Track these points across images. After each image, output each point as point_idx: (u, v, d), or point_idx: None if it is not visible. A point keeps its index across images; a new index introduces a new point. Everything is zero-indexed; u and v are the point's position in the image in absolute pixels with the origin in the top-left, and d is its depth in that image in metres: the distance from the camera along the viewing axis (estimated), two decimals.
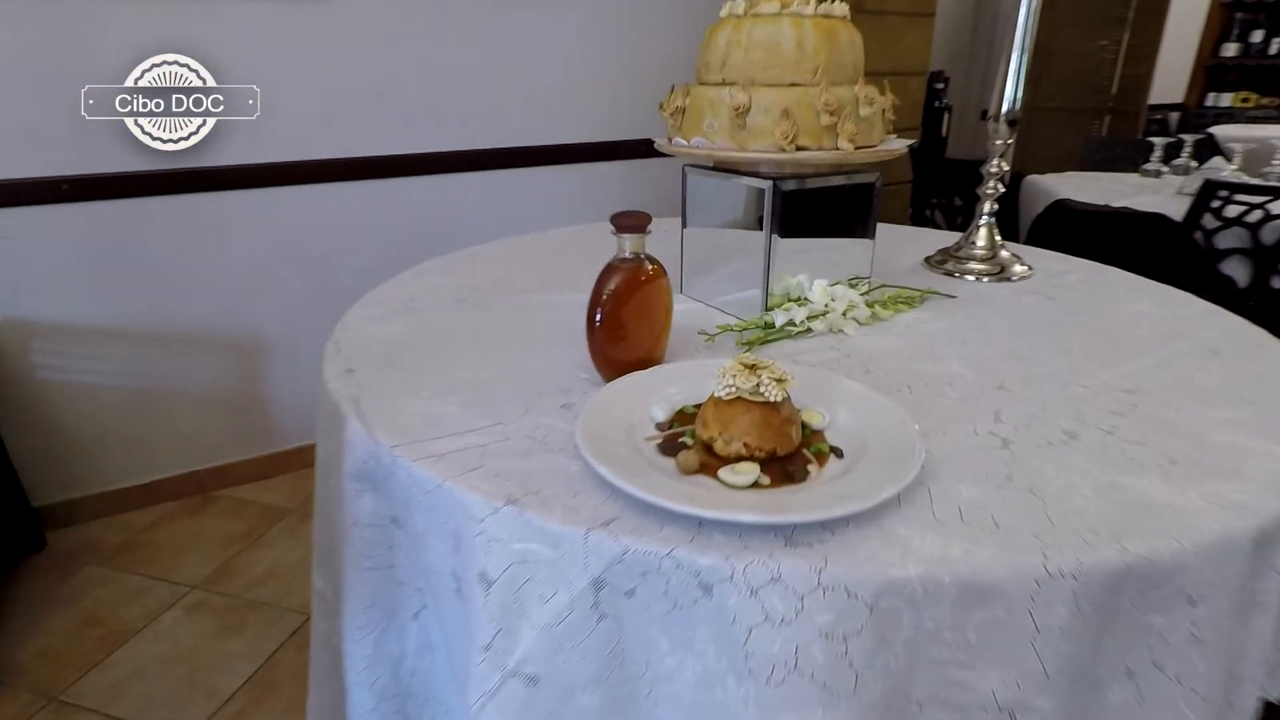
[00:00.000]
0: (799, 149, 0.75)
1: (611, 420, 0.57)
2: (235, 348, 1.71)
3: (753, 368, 0.55)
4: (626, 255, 0.66)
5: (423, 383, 0.68)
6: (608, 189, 1.96)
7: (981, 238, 1.07)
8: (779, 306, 0.83)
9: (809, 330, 0.81)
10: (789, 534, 0.47)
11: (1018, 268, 1.04)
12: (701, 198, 0.90)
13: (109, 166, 1.46)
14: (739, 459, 0.53)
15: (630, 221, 0.64)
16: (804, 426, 0.57)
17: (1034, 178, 2.05)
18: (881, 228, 0.92)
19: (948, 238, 1.23)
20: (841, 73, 0.77)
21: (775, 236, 0.80)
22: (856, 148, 0.76)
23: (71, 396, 1.57)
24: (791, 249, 0.82)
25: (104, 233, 1.50)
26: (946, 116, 2.40)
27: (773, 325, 0.81)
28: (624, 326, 0.67)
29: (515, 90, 1.80)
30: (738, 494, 0.50)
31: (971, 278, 1.03)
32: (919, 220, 2.13)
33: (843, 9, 0.80)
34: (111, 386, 1.60)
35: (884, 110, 0.82)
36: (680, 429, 0.58)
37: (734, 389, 0.53)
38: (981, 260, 1.05)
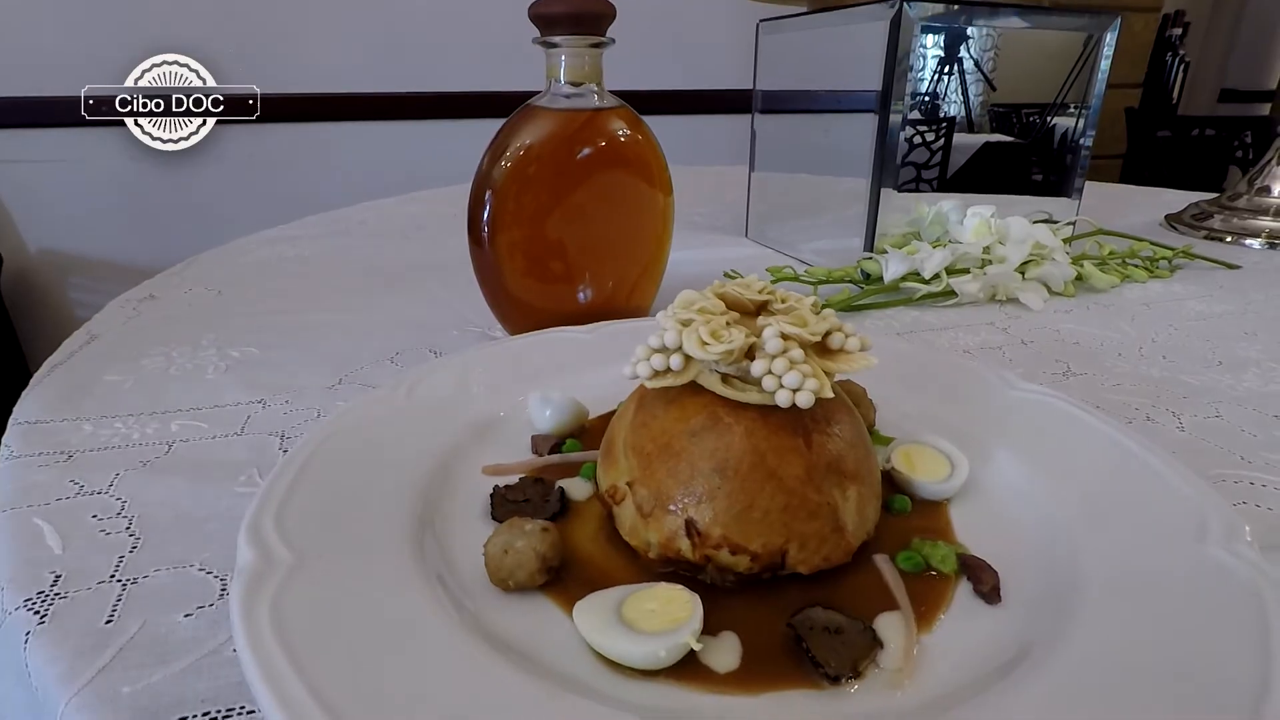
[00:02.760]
0: None
1: (391, 442, 0.24)
2: None
3: (743, 310, 0.20)
4: (563, 88, 0.32)
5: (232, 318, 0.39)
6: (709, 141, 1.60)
7: None
8: (898, 249, 0.46)
9: (950, 294, 0.43)
10: None
11: None
12: (779, 73, 0.54)
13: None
14: (685, 567, 0.18)
15: (562, 8, 0.30)
16: (895, 489, 0.22)
17: None
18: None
19: (1195, 198, 0.77)
20: None
21: (900, 113, 0.43)
22: None
23: None
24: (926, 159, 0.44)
25: (142, 161, 1.37)
26: (1181, 74, 1.80)
27: (876, 277, 0.43)
28: (544, 235, 0.33)
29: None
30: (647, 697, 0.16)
31: (1258, 243, 0.59)
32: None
33: None
34: None
35: None
36: (569, 456, 0.24)
37: (675, 367, 0.19)
38: None
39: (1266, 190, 0.62)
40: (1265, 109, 2.78)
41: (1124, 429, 0.24)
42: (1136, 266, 0.49)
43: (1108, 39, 0.46)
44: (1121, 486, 0.22)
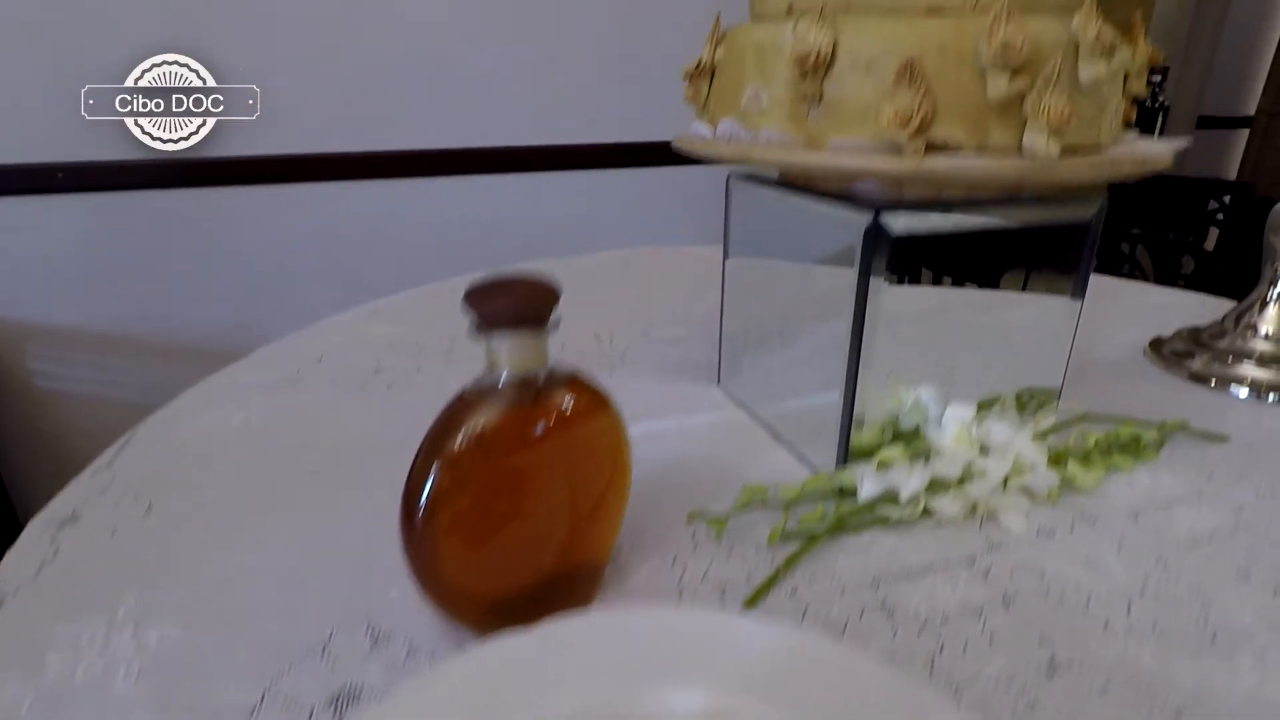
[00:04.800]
0: (933, 148, 0.35)
1: None
2: None
3: None
4: (498, 380, 0.30)
5: (164, 555, 0.35)
6: (694, 195, 1.58)
7: (1271, 320, 0.60)
8: (871, 452, 0.43)
9: (927, 514, 0.40)
10: None
11: None
12: (751, 229, 0.52)
13: (109, 154, 1.28)
14: None
15: (504, 304, 0.28)
16: None
17: None
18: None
19: (1179, 304, 0.75)
20: None
21: (874, 319, 0.40)
22: (1067, 150, 0.35)
23: (70, 406, 1.41)
24: (908, 333, 0.42)
25: (104, 229, 1.32)
26: (1161, 119, 1.80)
27: (850, 491, 0.41)
28: (482, 529, 0.30)
29: (567, 81, 1.47)
30: None
31: (1245, 391, 0.58)
32: (1113, 259, 1.59)
33: None
34: (114, 398, 1.43)
35: (1129, 74, 0.40)
36: None
37: None
38: (1270, 362, 0.59)
39: (1253, 330, 0.60)
40: (1243, 135, 2.80)
41: None
42: (1122, 451, 0.47)
43: (1093, 228, 0.44)
44: None
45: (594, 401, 0.32)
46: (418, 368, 0.62)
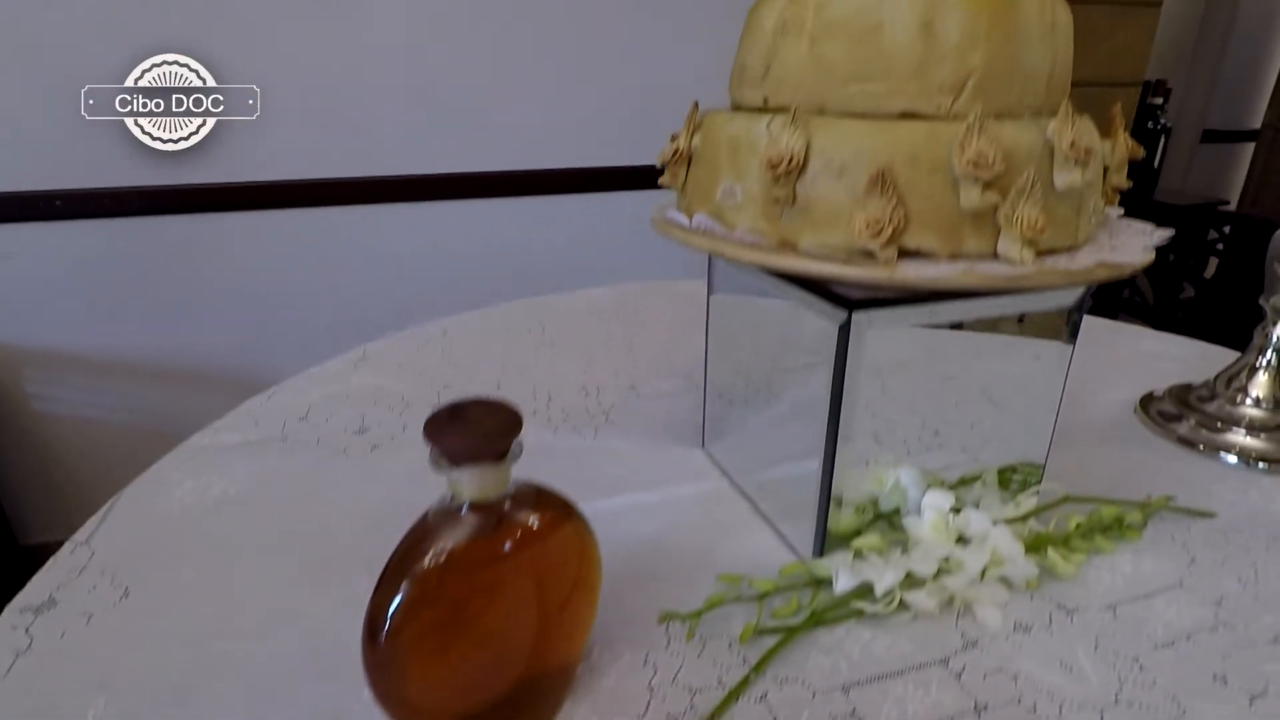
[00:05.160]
0: (906, 254, 0.35)
1: None
2: (248, 386, 1.50)
3: None
4: (460, 508, 0.29)
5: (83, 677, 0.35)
6: None
7: (1260, 386, 0.60)
8: (850, 536, 0.43)
9: (903, 607, 0.40)
10: None
11: None
12: (731, 305, 0.51)
13: (108, 180, 1.28)
14: None
15: (464, 440, 0.28)
16: None
17: None
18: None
19: (1173, 353, 0.75)
20: (1018, 89, 0.36)
21: (852, 404, 0.40)
22: (1041, 254, 0.35)
23: (67, 431, 1.41)
24: (892, 385, 0.42)
25: (101, 255, 1.33)
26: (1163, 141, 1.79)
27: (826, 581, 0.41)
28: (448, 650, 0.30)
29: (567, 103, 1.47)
30: None
31: (1233, 458, 0.57)
32: (1113, 291, 1.58)
33: None
34: (112, 423, 1.43)
35: (1109, 167, 0.39)
36: None
37: None
38: (1260, 430, 0.58)
39: (1243, 394, 0.60)
40: (1249, 149, 2.78)
41: None
42: (1104, 534, 0.46)
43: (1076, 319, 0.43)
44: None
45: (558, 514, 0.32)
46: (403, 425, 0.62)
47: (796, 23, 0.37)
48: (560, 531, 0.32)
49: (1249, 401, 0.59)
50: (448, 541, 0.30)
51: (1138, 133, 1.74)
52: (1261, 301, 0.59)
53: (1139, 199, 1.68)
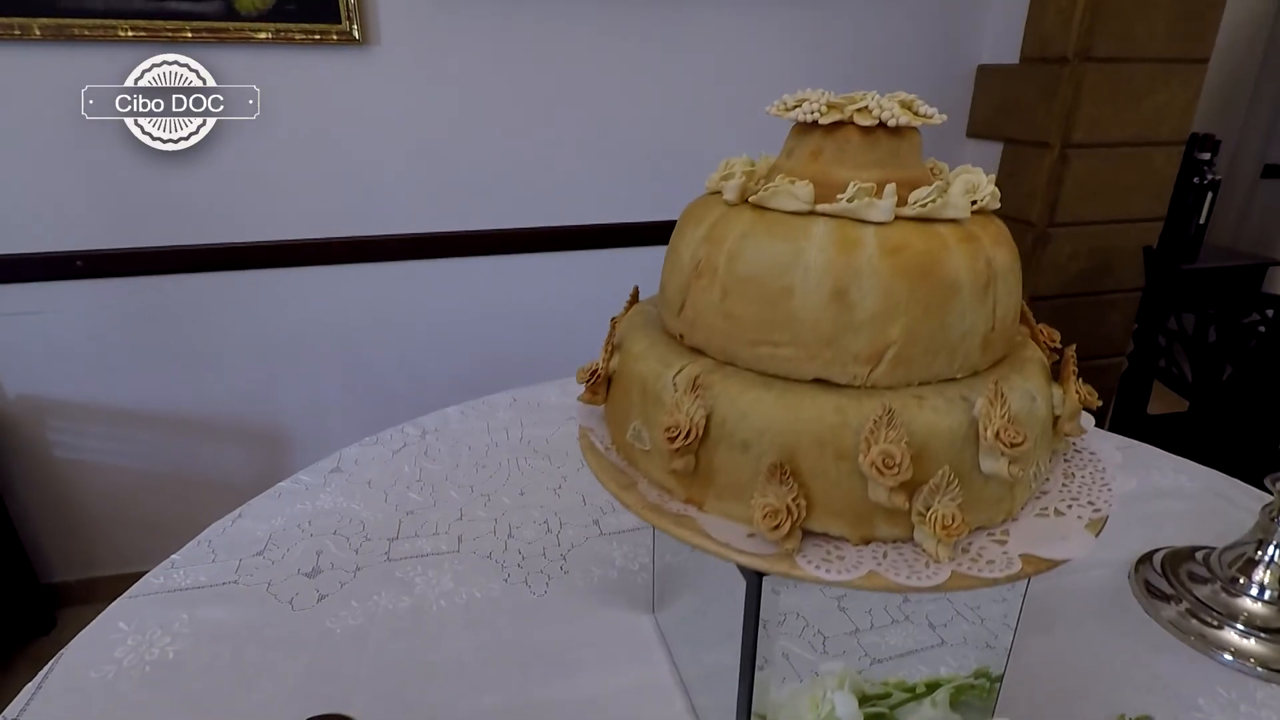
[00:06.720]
0: (813, 534, 0.32)
1: None
2: (260, 438, 1.54)
3: None
4: None
5: None
6: None
7: (1266, 579, 0.55)
8: None
9: None
10: None
11: None
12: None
13: (125, 242, 1.32)
14: None
15: None
16: None
17: None
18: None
19: (1186, 492, 0.69)
20: (944, 358, 0.33)
21: (765, 656, 0.37)
22: (955, 562, 0.31)
23: (87, 475, 1.46)
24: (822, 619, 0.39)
25: (120, 312, 1.37)
26: (1210, 197, 1.69)
27: None
28: None
29: (567, 163, 1.45)
30: None
31: (1230, 657, 0.52)
32: (1149, 350, 1.50)
33: (989, 191, 0.35)
34: (128, 468, 1.48)
35: (1059, 417, 0.36)
36: None
37: None
38: (1262, 632, 0.53)
39: (1246, 579, 0.55)
40: None
41: None
42: None
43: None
44: None
45: None
46: (354, 570, 0.61)
47: (710, 267, 0.35)
48: None
49: (1251, 590, 0.54)
50: None
51: (1181, 190, 1.64)
52: (1268, 482, 0.54)
53: (1178, 261, 1.59)
